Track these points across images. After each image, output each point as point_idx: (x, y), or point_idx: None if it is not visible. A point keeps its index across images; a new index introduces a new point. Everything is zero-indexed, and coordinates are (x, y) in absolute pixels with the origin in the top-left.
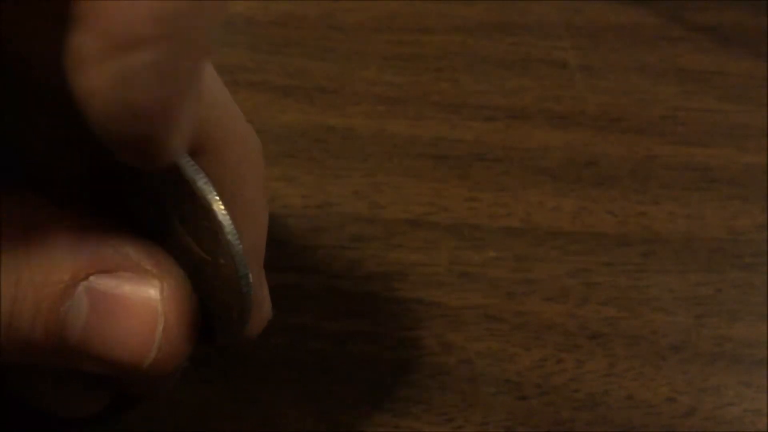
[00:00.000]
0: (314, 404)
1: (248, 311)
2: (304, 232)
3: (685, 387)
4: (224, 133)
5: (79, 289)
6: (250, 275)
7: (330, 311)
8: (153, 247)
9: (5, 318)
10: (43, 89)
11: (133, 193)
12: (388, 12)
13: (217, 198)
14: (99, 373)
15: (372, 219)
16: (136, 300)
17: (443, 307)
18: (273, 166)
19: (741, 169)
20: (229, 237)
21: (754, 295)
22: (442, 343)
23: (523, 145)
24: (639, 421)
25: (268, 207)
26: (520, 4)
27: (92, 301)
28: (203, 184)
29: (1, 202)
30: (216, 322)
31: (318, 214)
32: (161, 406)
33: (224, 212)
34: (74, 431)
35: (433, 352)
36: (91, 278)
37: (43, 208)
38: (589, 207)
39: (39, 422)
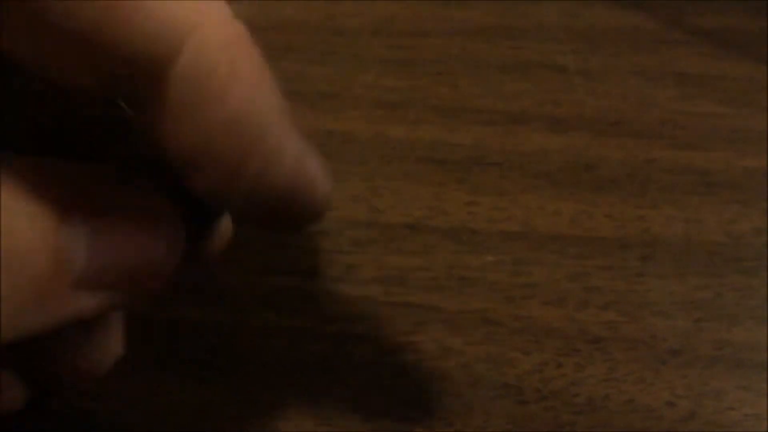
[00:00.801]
0: (314, 407)
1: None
2: (304, 236)
3: (685, 391)
4: (202, 15)
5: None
6: None
7: (330, 314)
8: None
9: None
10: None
11: None
12: (387, 16)
13: None
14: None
15: (371, 223)
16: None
17: (442, 311)
18: None
19: (740, 173)
20: None
21: (754, 298)
22: (441, 347)
23: (522, 149)
24: (639, 426)
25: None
26: (519, 8)
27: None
28: None
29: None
30: None
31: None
32: (161, 406)
33: None
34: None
35: (432, 356)
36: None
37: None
38: (588, 211)
39: None
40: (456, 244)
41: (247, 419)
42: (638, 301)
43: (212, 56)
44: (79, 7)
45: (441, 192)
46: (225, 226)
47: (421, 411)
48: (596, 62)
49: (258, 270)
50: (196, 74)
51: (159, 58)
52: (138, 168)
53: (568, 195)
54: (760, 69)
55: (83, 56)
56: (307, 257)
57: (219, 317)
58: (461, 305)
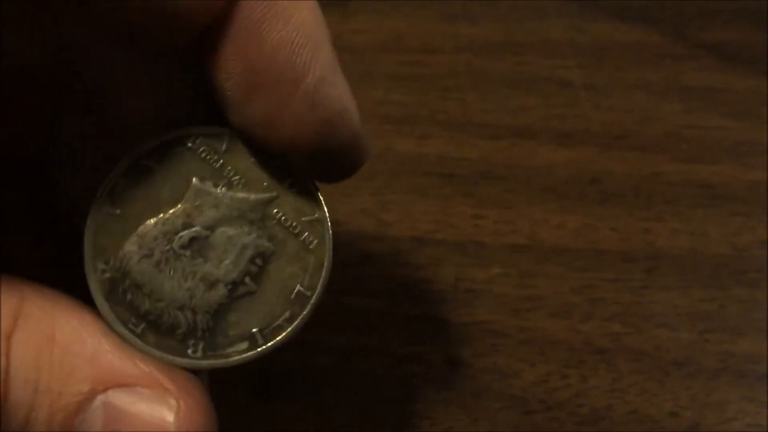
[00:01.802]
0: (321, 418)
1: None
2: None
3: (689, 402)
4: None
5: (96, 402)
6: None
7: (337, 327)
8: (170, 365)
9: (19, 426)
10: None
11: None
12: (395, 33)
13: None
14: None
15: (379, 237)
16: (150, 420)
17: (449, 323)
18: None
19: (744, 186)
20: None
21: (758, 310)
22: (448, 359)
23: (528, 163)
24: None
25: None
26: (525, 24)
27: (107, 417)
28: None
29: (27, 291)
30: None
31: None
32: None
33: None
34: None
35: (439, 367)
36: (109, 392)
37: (67, 307)
38: (593, 224)
39: None
40: (462, 256)
41: (254, 429)
42: (643, 313)
43: None
44: None
45: (448, 205)
46: None
47: (428, 422)
48: (601, 77)
49: None
50: None
51: None
52: None
53: (573, 208)
54: (764, 83)
55: None
56: None
57: None
58: (467, 317)
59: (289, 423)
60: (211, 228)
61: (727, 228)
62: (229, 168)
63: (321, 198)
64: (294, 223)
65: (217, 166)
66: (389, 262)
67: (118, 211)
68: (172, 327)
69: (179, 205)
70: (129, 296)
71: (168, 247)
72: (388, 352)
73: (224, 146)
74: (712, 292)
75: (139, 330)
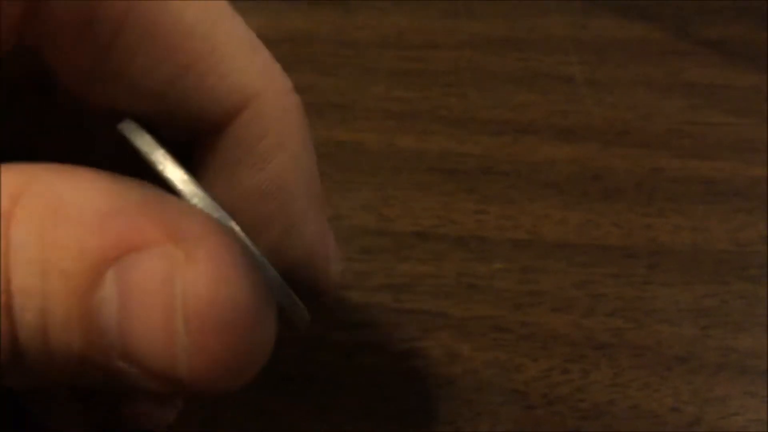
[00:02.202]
0: (323, 414)
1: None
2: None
3: (690, 397)
4: (266, 83)
5: (109, 274)
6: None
7: (339, 322)
8: (194, 208)
9: (37, 321)
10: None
11: None
12: (397, 29)
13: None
14: (156, 391)
15: (381, 232)
16: (156, 281)
17: (450, 317)
18: None
19: (746, 182)
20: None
21: (759, 306)
22: (450, 354)
23: (530, 159)
24: (644, 431)
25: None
26: (527, 20)
27: (120, 289)
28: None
29: (34, 171)
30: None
31: None
32: None
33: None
34: None
35: (441, 362)
36: (120, 261)
37: (75, 173)
38: (595, 220)
39: None
40: (464, 252)
41: (256, 427)
42: (644, 308)
43: (266, 124)
44: (156, 66)
45: (450, 201)
46: None
47: (430, 417)
48: (603, 73)
49: None
50: (248, 137)
51: (221, 117)
52: None
53: (575, 204)
54: (766, 79)
55: (148, 107)
56: None
57: None
58: (469, 312)
59: (290, 419)
60: None
61: (729, 224)
62: None
63: None
64: None
65: None
66: (391, 257)
67: None
68: None
69: None
70: None
71: None
72: (389, 348)
73: None
74: (713, 287)
75: None
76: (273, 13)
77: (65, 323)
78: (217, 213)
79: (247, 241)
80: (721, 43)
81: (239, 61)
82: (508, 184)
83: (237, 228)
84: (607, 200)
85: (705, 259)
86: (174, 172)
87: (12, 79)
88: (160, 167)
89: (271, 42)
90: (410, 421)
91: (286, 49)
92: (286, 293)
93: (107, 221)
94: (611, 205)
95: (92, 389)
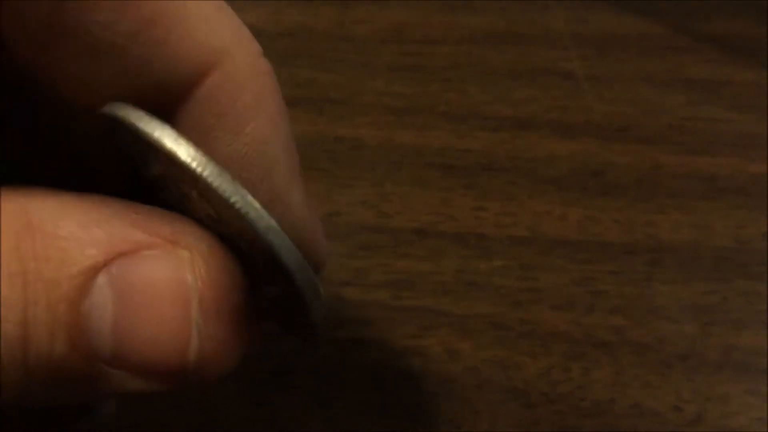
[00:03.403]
0: (322, 410)
1: (309, 300)
2: None
3: (691, 395)
4: (236, 43)
5: (99, 281)
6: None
7: (338, 319)
8: (173, 215)
9: (17, 331)
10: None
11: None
12: (396, 24)
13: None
14: (140, 391)
15: (380, 228)
16: (163, 279)
17: (450, 315)
18: None
19: (747, 179)
20: (258, 221)
21: (761, 303)
22: (449, 351)
23: (529, 155)
24: (645, 430)
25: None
26: (526, 15)
27: (117, 294)
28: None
29: None
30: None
31: (326, 224)
32: (170, 407)
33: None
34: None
35: (440, 359)
36: (111, 266)
37: (40, 192)
38: (595, 216)
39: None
40: (464, 248)
41: (255, 423)
42: (645, 305)
43: (239, 84)
44: (117, 18)
45: (449, 197)
46: None
47: (429, 414)
48: (604, 68)
49: None
50: (221, 99)
51: (189, 75)
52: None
53: (575, 200)
54: (767, 75)
55: (112, 67)
56: None
57: None
58: (469, 309)
59: (290, 416)
60: None
61: (730, 220)
62: None
63: None
64: None
65: None
66: (390, 254)
67: None
68: None
69: None
70: None
71: None
72: (388, 345)
73: None
74: (714, 284)
75: None
76: (272, 7)
77: (49, 331)
78: (221, 175)
79: (272, 219)
80: (722, 39)
81: (207, 18)
82: (508, 180)
83: (257, 205)
84: (607, 196)
85: (706, 255)
86: (173, 139)
87: None
88: (157, 134)
89: (269, 36)
90: (409, 418)
91: (284, 44)
92: (309, 276)
93: (89, 231)
94: (611, 202)
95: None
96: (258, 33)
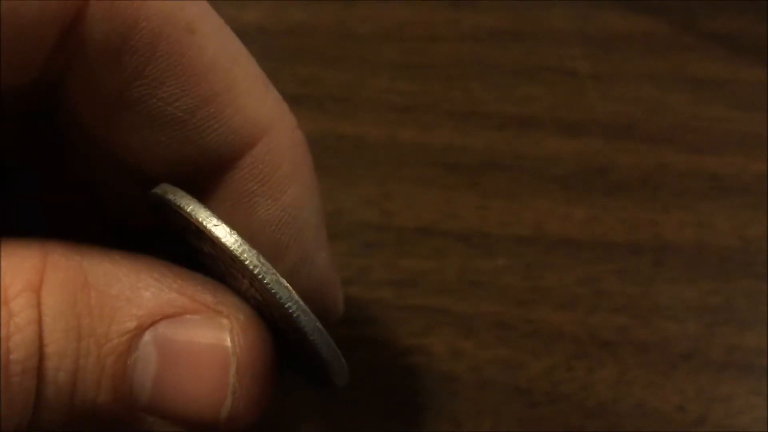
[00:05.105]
0: (324, 410)
1: (328, 365)
2: None
3: (696, 395)
4: (278, 118)
5: (145, 338)
6: (319, 328)
7: (341, 318)
8: (215, 284)
9: (68, 379)
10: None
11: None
12: (399, 21)
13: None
14: None
15: (383, 226)
16: (205, 343)
17: (453, 314)
18: None
19: (752, 178)
20: (291, 304)
21: (765, 303)
22: (452, 350)
23: (533, 154)
24: (649, 429)
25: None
26: (531, 13)
27: (161, 351)
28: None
29: (50, 246)
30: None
31: (329, 222)
32: None
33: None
34: None
35: (443, 359)
36: (158, 326)
37: (94, 252)
38: (599, 215)
39: None
40: (467, 247)
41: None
42: (649, 305)
43: (280, 156)
44: (179, 96)
45: (452, 196)
46: None
47: (432, 414)
48: (608, 66)
49: None
50: (263, 169)
51: (237, 147)
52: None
53: (579, 199)
54: None
55: (170, 138)
56: None
57: None
58: (472, 308)
59: (291, 415)
60: None
61: (735, 220)
62: None
63: None
64: None
65: None
66: (393, 252)
67: None
68: None
69: None
70: None
71: None
72: (391, 344)
73: None
74: (719, 284)
75: None
76: (274, 5)
77: (96, 381)
78: (267, 268)
79: (294, 294)
80: (727, 37)
81: (255, 96)
82: (512, 179)
83: (285, 282)
84: (611, 195)
85: (710, 255)
86: (224, 232)
87: (17, 114)
88: (210, 226)
89: (272, 34)
90: (412, 418)
91: (287, 42)
92: (330, 346)
93: (138, 293)
94: (616, 201)
95: None
96: (260, 31)
